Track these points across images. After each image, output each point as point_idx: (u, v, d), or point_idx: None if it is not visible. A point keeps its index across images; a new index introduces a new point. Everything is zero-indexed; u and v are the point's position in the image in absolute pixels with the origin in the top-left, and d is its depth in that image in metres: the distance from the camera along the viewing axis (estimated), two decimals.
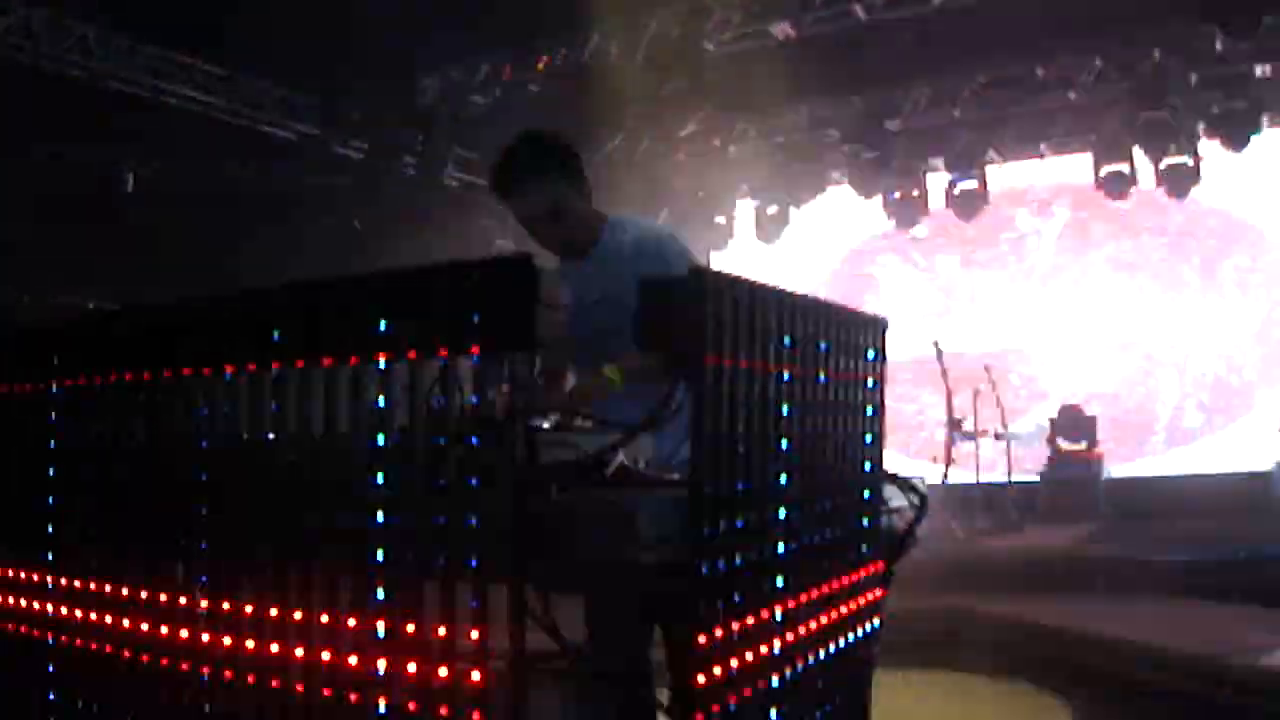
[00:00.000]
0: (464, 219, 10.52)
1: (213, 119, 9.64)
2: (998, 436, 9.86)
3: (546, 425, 2.35)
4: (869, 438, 2.45)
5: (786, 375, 2.07)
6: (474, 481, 1.81)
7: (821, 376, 2.20)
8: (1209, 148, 9.91)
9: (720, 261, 10.87)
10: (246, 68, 9.59)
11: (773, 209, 11.40)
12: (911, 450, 10.32)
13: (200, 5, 8.29)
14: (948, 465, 9.32)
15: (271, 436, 2.07)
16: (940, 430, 9.66)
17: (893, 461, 2.66)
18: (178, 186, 9.85)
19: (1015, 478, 9.95)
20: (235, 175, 10.15)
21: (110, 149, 9.57)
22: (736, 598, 1.93)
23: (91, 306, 8.01)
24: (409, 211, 10.42)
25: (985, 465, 9.80)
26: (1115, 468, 10.39)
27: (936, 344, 9.47)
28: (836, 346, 2.26)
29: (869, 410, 2.44)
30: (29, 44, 8.34)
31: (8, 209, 8.50)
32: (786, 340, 2.06)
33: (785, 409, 2.06)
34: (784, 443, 2.07)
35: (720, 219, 11.75)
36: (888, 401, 2.55)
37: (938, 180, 10.95)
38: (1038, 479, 10.26)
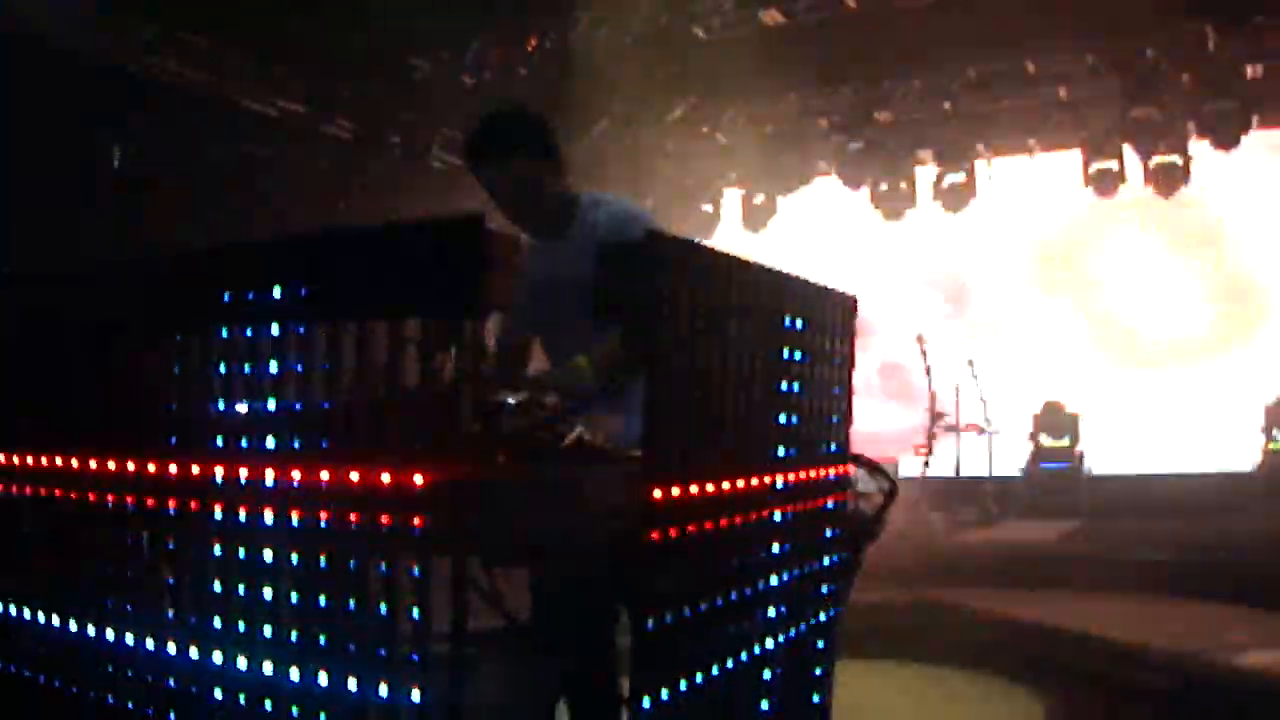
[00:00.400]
0: (451, 201, 10.39)
1: (197, 95, 9.52)
2: (980, 431, 9.83)
3: (512, 400, 2.30)
4: (835, 417, 2.39)
5: (746, 347, 2.00)
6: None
7: (785, 351, 2.14)
8: (1199, 147, 9.87)
9: None
10: (232, 43, 9.47)
11: (759, 198, 11.33)
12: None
13: None
14: (928, 457, 9.29)
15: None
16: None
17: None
18: (163, 162, 9.73)
19: (996, 472, 9.92)
20: (220, 152, 10.04)
21: (97, 125, 9.45)
22: (688, 576, 1.87)
23: None
24: (395, 192, 10.32)
25: (966, 459, 9.77)
26: (1096, 465, 10.36)
27: (920, 337, 9.43)
28: (801, 321, 2.19)
29: (835, 388, 2.38)
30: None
31: None
32: (748, 311, 2.00)
33: (743, 381, 2.00)
34: (741, 416, 2.01)
35: (707, 207, 11.67)
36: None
37: (926, 173, 10.90)
38: (1019, 474, 10.23)
